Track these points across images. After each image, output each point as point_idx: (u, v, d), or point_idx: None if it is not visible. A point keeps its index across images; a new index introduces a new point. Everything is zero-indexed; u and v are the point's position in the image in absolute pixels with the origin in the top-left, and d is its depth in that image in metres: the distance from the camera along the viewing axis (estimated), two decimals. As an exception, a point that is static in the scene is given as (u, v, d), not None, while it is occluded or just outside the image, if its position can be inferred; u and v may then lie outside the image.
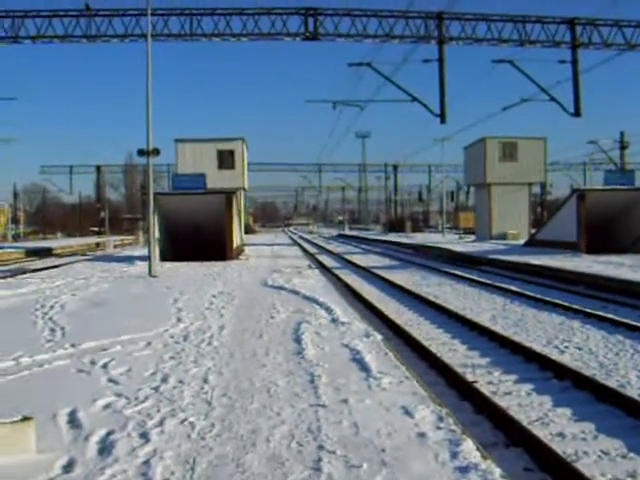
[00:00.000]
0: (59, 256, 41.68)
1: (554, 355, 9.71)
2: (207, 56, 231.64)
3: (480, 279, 20.83)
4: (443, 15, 29.41)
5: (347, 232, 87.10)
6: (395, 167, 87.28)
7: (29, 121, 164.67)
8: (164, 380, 6.66)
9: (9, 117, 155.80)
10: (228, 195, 27.34)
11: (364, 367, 7.16)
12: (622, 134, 49.64)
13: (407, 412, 5.50)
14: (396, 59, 35.03)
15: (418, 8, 29.98)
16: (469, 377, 8.52)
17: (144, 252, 26.01)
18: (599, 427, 6.50)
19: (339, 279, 22.20)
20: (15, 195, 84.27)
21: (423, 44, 30.01)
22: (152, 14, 22.29)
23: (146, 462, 4.44)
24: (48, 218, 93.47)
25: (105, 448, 4.72)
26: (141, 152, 19.82)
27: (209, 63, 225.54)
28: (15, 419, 4.56)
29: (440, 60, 29.42)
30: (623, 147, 49.39)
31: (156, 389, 6.32)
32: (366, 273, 25.03)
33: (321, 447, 4.71)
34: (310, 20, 29.31)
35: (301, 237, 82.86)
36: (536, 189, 63.27)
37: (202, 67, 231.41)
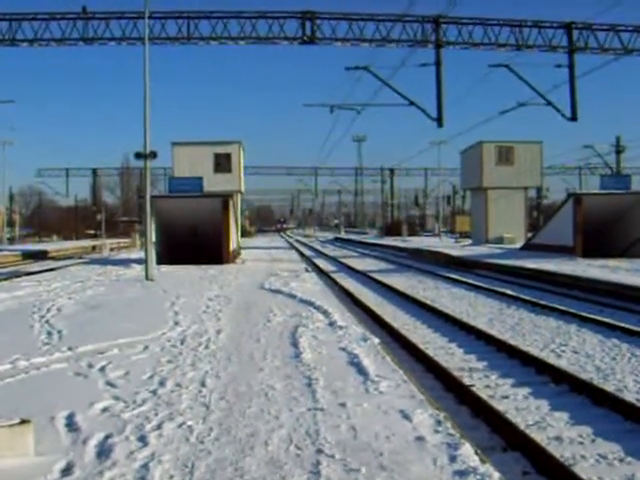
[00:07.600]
0: (55, 259, 41.57)
1: (551, 359, 9.72)
2: (204, 59, 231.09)
3: (476, 283, 20.86)
4: (440, 19, 29.47)
5: (343, 236, 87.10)
6: (391, 171, 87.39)
7: (26, 124, 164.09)
8: (162, 383, 6.65)
9: (6, 120, 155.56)
10: (225, 198, 27.32)
11: (362, 371, 7.16)
12: (618, 139, 49.74)
13: (405, 416, 5.51)
14: (393, 63, 35.15)
15: (415, 12, 30.08)
16: (466, 381, 8.53)
17: (140, 255, 25.99)
18: (596, 431, 6.51)
19: (336, 283, 22.21)
20: (11, 198, 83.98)
21: (420, 48, 30.09)
22: (149, 17, 22.31)
23: (144, 465, 4.43)
24: (44, 221, 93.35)
25: (103, 451, 4.71)
26: (138, 155, 19.82)
27: (206, 66, 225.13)
28: (13, 422, 4.54)
29: (437, 64, 29.49)
30: (619, 151, 49.49)
31: (154, 392, 6.31)
32: (363, 277, 25.03)
33: (320, 451, 4.70)
34: (307, 24, 29.37)
35: (297, 240, 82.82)
36: (532, 193, 63.44)
37: (199, 70, 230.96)
